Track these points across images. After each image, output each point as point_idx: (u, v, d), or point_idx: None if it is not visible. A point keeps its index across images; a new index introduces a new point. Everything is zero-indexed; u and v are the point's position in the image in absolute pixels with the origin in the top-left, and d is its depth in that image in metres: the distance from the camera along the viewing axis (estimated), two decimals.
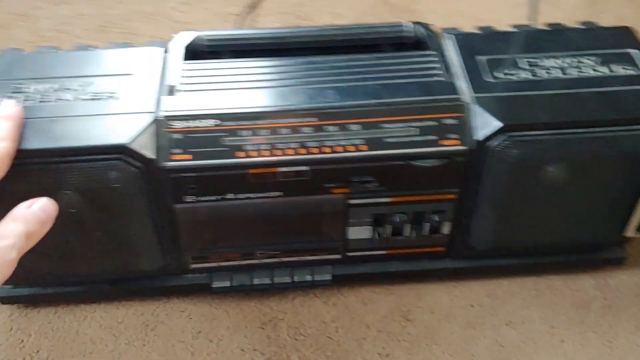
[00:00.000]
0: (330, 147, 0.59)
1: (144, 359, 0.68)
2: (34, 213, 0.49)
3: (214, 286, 0.69)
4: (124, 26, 1.04)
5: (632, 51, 0.65)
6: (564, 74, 0.63)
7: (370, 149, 0.59)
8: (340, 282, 0.73)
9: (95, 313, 0.72)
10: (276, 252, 0.68)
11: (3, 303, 0.72)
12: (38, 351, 0.68)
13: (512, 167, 0.60)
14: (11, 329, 0.70)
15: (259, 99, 0.60)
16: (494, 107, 0.59)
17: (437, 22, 1.03)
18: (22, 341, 0.69)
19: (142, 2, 1.07)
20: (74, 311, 0.72)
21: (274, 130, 0.58)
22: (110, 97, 0.60)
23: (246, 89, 0.61)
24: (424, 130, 0.59)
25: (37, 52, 0.67)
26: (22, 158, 0.55)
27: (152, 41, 0.68)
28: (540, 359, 0.68)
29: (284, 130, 0.58)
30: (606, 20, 0.78)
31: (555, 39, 0.67)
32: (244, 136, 0.58)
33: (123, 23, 1.04)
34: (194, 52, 0.66)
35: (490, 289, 0.74)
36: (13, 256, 0.46)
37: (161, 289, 0.71)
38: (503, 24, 0.70)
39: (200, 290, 0.72)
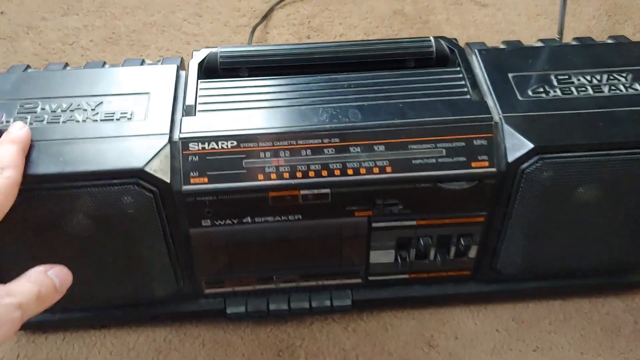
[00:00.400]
0: (354, 168, 0.56)
1: None
2: (49, 278, 0.49)
3: (228, 312, 0.66)
4: (132, 38, 1.01)
5: None
6: (596, 91, 0.60)
7: (396, 171, 0.56)
8: (361, 307, 0.71)
9: (105, 339, 0.69)
10: (294, 277, 0.66)
11: None
12: None
13: (544, 190, 0.57)
14: (18, 356, 0.68)
15: (279, 119, 0.57)
16: (525, 127, 0.57)
17: (453, 32, 1.01)
18: None
19: (151, 13, 1.05)
20: (83, 337, 0.69)
21: (294, 152, 0.56)
22: (124, 117, 0.57)
23: (265, 108, 0.58)
24: (452, 152, 0.56)
25: (46, 70, 0.64)
26: (31, 184, 0.53)
27: (167, 58, 0.66)
28: None
29: (305, 152, 0.56)
30: (628, 30, 0.77)
31: (584, 54, 0.65)
32: (263, 158, 0.55)
33: (132, 35, 1.02)
34: (210, 69, 0.64)
35: (517, 312, 0.72)
36: (16, 315, 0.45)
37: (174, 314, 0.68)
38: (520, 35, 0.68)
39: (215, 316, 0.69)
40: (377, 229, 0.61)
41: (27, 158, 0.53)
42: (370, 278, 0.67)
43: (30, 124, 0.57)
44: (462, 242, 0.62)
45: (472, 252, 0.64)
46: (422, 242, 0.62)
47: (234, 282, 0.65)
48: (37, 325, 0.68)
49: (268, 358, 0.68)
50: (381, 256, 0.64)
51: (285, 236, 0.60)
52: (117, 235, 0.57)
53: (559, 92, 0.60)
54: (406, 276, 0.67)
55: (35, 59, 0.97)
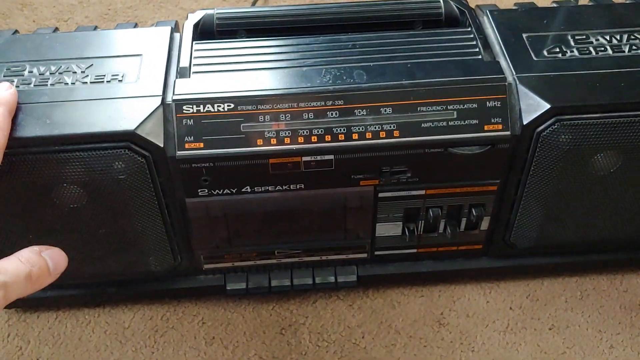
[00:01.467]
0: (359, 133, 0.53)
1: None
2: (43, 259, 0.47)
3: (228, 288, 0.64)
4: (128, 14, 0.98)
5: None
6: (615, 51, 0.57)
7: (404, 135, 0.53)
8: (367, 283, 0.68)
9: (99, 318, 0.66)
10: (296, 251, 0.63)
11: None
12: (38, 359, 0.63)
13: (562, 154, 0.54)
14: (9, 335, 0.65)
15: (279, 81, 0.54)
16: (541, 88, 0.53)
17: None
18: (21, 348, 0.64)
19: None
20: (77, 315, 0.66)
21: (295, 115, 0.52)
22: (114, 80, 0.54)
23: (264, 69, 0.55)
24: (463, 114, 0.53)
25: (34, 34, 0.61)
26: (17, 147, 0.50)
27: (161, 21, 0.63)
28: None
29: (306, 115, 0.53)
30: None
31: (603, 14, 0.61)
32: (263, 122, 0.52)
33: (128, 10, 0.99)
34: (206, 32, 0.60)
35: (531, 289, 0.69)
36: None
37: (172, 291, 0.65)
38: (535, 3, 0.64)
39: (214, 293, 0.67)
40: (384, 199, 0.58)
41: (13, 121, 0.51)
42: (376, 252, 0.64)
43: (17, 86, 0.53)
44: (474, 213, 0.59)
45: (484, 224, 0.61)
46: (431, 213, 0.59)
47: (234, 256, 0.62)
48: (28, 302, 0.65)
49: (270, 336, 0.65)
50: (388, 229, 0.61)
51: (286, 207, 0.57)
52: (109, 205, 0.54)
53: (576, 52, 0.57)
54: (414, 250, 0.64)
55: None
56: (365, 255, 0.64)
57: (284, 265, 0.64)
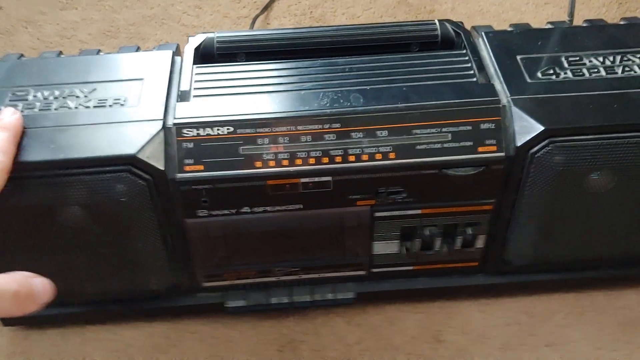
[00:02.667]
0: (355, 155, 0.54)
1: None
2: (31, 284, 0.46)
3: (228, 306, 0.64)
4: (131, 31, 1.00)
5: None
6: (609, 73, 0.58)
7: (399, 157, 0.54)
8: (365, 300, 0.69)
9: (103, 336, 0.67)
10: (295, 269, 0.63)
11: (5, 325, 0.67)
12: None
13: (555, 175, 0.55)
14: (13, 353, 0.66)
15: (277, 104, 0.55)
16: (534, 110, 0.54)
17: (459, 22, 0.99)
18: None
19: (150, 6, 1.03)
20: (80, 333, 0.67)
21: (293, 138, 0.54)
22: (117, 104, 0.55)
23: (263, 93, 0.56)
24: (458, 136, 0.54)
25: (39, 58, 0.62)
26: (22, 171, 0.51)
27: (163, 44, 0.64)
28: None
29: (304, 138, 0.54)
30: None
31: (596, 35, 0.62)
32: (261, 144, 0.53)
33: (130, 28, 1.00)
34: (206, 55, 0.62)
35: (528, 306, 0.69)
36: None
37: (172, 309, 0.66)
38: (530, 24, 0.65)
39: (214, 311, 0.67)
40: (381, 218, 0.59)
41: (18, 145, 0.52)
42: (373, 270, 0.65)
43: (22, 111, 0.55)
44: (469, 231, 0.60)
45: (480, 242, 0.62)
46: (427, 231, 0.60)
47: (233, 275, 0.63)
48: (33, 320, 0.66)
49: (269, 354, 0.66)
50: (385, 247, 0.62)
51: (285, 227, 0.58)
52: (111, 226, 0.55)
53: (570, 74, 0.58)
54: (411, 267, 0.65)
55: (33, 53, 0.94)
56: (363, 272, 0.65)
57: (283, 282, 0.65)
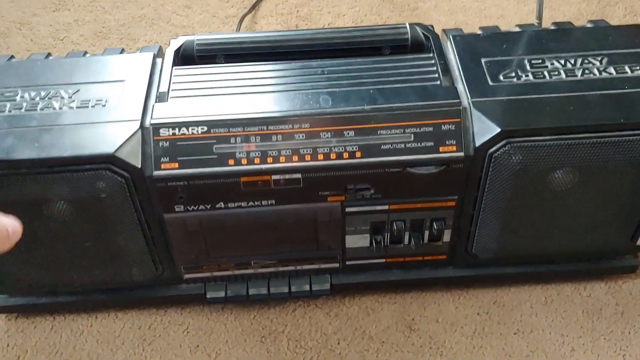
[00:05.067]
0: (324, 154, 0.57)
1: None
2: (5, 222, 0.46)
3: (208, 296, 0.68)
4: (122, 32, 1.03)
5: None
6: (568, 75, 0.60)
7: (365, 156, 0.57)
8: (341, 291, 0.72)
9: (92, 327, 0.70)
10: (272, 262, 0.66)
11: None
12: None
13: (514, 174, 0.58)
14: (8, 345, 0.69)
15: (250, 105, 0.58)
16: (493, 112, 0.57)
17: (442, 19, 1.01)
18: (19, 358, 0.68)
19: (142, 6, 1.06)
20: (71, 325, 0.70)
21: (265, 137, 0.57)
22: (99, 104, 0.58)
23: (237, 94, 0.59)
24: (420, 137, 0.57)
25: (28, 60, 0.65)
26: (8, 169, 0.54)
27: (145, 46, 0.67)
28: None
29: (275, 137, 0.57)
30: (618, 13, 0.75)
31: (561, 38, 0.65)
32: (234, 143, 0.56)
33: (121, 28, 1.03)
34: (186, 57, 0.65)
35: (498, 296, 0.72)
36: None
37: (156, 299, 0.69)
38: (510, 20, 0.67)
39: (195, 301, 0.71)
40: (351, 213, 0.62)
41: (4, 144, 0.55)
42: (347, 262, 0.67)
43: (9, 111, 0.58)
44: (435, 226, 0.63)
45: (446, 237, 0.64)
46: (395, 226, 0.63)
47: (213, 267, 0.66)
48: (23, 308, 0.70)
49: (251, 344, 0.69)
50: (357, 240, 0.65)
51: (259, 221, 0.61)
52: (93, 221, 0.58)
53: (530, 77, 0.60)
54: (383, 260, 0.67)
55: (27, 55, 0.98)
56: (337, 265, 0.68)
57: (261, 274, 0.68)
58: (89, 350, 0.69)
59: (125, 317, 0.71)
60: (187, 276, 0.67)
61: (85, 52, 0.67)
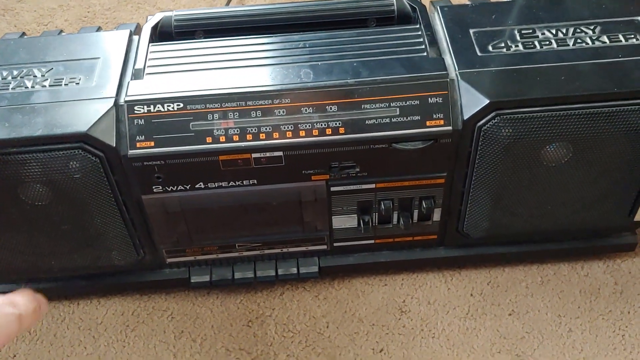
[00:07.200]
0: (306, 130, 0.55)
1: None
2: (39, 299, 0.47)
3: (192, 281, 0.66)
4: (107, 16, 1.01)
5: (639, 19, 0.60)
6: (560, 45, 0.58)
7: (349, 132, 0.55)
8: (329, 274, 0.70)
9: (73, 314, 0.69)
10: (257, 244, 0.65)
11: None
12: (15, 355, 0.66)
13: (504, 148, 0.55)
14: None
15: (229, 80, 0.56)
16: (482, 83, 0.55)
17: None
18: None
19: None
20: (52, 312, 0.69)
21: (243, 113, 0.54)
22: (72, 83, 0.56)
23: (215, 69, 0.57)
24: (406, 111, 0.55)
25: (1, 40, 0.63)
26: None
27: (123, 24, 0.65)
28: (547, 350, 0.64)
29: (254, 113, 0.54)
30: None
31: (552, 8, 0.62)
32: (212, 120, 0.54)
33: (106, 12, 1.01)
34: (165, 34, 0.63)
35: (492, 276, 0.70)
36: (14, 327, 0.44)
37: (139, 284, 0.68)
38: None
39: (179, 286, 0.69)
40: (337, 192, 0.60)
41: None
42: (335, 244, 0.66)
43: None
44: (424, 205, 0.61)
45: (436, 216, 0.63)
46: (383, 205, 0.61)
47: (196, 251, 0.64)
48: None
49: (237, 328, 0.67)
50: (344, 221, 0.63)
51: (242, 202, 0.59)
52: (69, 203, 0.56)
53: (520, 47, 0.58)
54: (372, 241, 0.66)
55: None
56: (325, 246, 0.66)
57: (247, 257, 0.66)
58: (70, 337, 0.67)
59: (107, 304, 0.69)
60: (170, 260, 0.65)
61: (61, 31, 0.65)
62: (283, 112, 0.55)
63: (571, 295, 0.68)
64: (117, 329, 0.67)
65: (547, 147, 0.57)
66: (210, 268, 0.66)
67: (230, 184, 0.57)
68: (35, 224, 0.58)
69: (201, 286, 0.66)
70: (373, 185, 0.59)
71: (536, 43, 0.58)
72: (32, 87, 0.56)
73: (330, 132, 0.55)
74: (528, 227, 0.64)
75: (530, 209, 0.62)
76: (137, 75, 0.57)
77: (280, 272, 0.67)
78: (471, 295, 0.69)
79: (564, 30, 0.59)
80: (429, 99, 0.55)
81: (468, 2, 0.65)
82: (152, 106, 0.54)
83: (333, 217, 0.62)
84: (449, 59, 0.57)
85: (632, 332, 0.65)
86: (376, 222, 0.63)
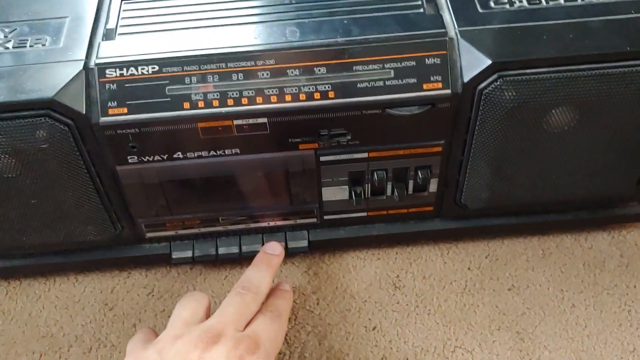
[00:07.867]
0: (292, 94, 0.50)
1: (102, 341, 0.62)
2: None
3: (174, 257, 0.62)
4: None
5: None
6: (567, 0, 0.54)
7: (339, 96, 0.51)
8: (319, 248, 0.67)
9: (49, 292, 0.65)
10: (242, 218, 0.61)
11: None
12: None
13: (507, 112, 0.52)
14: None
15: (208, 41, 0.52)
16: (483, 42, 0.51)
17: None
18: None
19: None
20: (27, 291, 0.65)
21: (224, 76, 0.50)
22: (38, 44, 0.52)
23: (193, 29, 0.53)
24: (401, 73, 0.51)
25: None
26: None
27: None
28: (549, 327, 0.62)
29: (235, 76, 0.50)
30: None
31: None
32: (189, 84, 0.50)
33: None
34: None
35: (490, 249, 0.67)
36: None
37: (117, 260, 0.64)
38: None
39: (160, 262, 0.65)
40: (326, 162, 0.56)
41: None
42: (325, 217, 0.62)
43: None
44: (420, 175, 0.57)
45: (433, 186, 0.59)
46: (376, 176, 0.57)
47: (177, 225, 0.61)
48: None
49: None
50: (334, 193, 0.59)
51: (224, 173, 0.55)
52: (39, 175, 0.52)
53: (525, 3, 0.54)
54: (364, 214, 0.62)
55: None
56: (314, 220, 0.62)
57: (232, 232, 0.63)
58: (46, 316, 0.63)
59: (85, 281, 0.66)
60: (149, 235, 0.61)
61: None
62: (267, 74, 0.50)
63: (574, 269, 0.65)
64: (95, 308, 0.64)
65: (553, 111, 0.53)
66: (193, 243, 0.62)
67: (210, 153, 0.53)
68: (2, 199, 0.54)
69: (183, 262, 0.63)
70: (365, 155, 0.55)
71: None
72: None
73: (318, 97, 0.51)
74: (530, 198, 0.61)
75: (533, 178, 0.59)
76: (109, 35, 0.52)
77: None
78: (469, 269, 0.66)
79: None
80: (426, 59, 0.50)
81: None
82: (125, 69, 0.49)
83: (323, 188, 0.59)
84: (448, 16, 0.53)
85: (638, 307, 0.62)
86: (369, 193, 0.59)
